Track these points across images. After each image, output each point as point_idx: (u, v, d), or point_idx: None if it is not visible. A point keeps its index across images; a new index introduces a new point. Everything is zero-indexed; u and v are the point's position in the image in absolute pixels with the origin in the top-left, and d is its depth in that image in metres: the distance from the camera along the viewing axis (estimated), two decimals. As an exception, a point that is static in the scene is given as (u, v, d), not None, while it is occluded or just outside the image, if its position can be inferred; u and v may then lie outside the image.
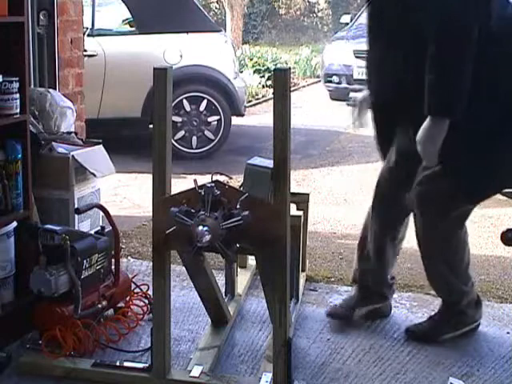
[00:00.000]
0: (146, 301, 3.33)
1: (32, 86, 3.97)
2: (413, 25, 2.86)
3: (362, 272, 3.33)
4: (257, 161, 2.89)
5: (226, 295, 3.41)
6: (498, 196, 5.64)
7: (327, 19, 23.74)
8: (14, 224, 3.17)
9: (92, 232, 3.50)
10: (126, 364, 2.86)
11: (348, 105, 3.47)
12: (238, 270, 3.60)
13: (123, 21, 7.82)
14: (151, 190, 2.71)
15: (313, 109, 10.74)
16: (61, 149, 3.73)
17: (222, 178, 2.76)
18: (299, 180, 6.20)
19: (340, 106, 11.05)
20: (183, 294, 3.58)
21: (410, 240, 4.45)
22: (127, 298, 3.33)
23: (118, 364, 2.86)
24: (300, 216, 3.44)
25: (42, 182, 3.50)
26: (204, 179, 2.68)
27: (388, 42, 2.99)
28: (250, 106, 10.38)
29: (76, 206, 3.61)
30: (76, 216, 3.64)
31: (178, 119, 6.98)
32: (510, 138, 2.90)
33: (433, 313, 3.44)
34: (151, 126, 2.81)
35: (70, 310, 2.97)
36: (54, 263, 2.96)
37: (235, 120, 7.49)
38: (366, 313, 3.33)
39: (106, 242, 3.24)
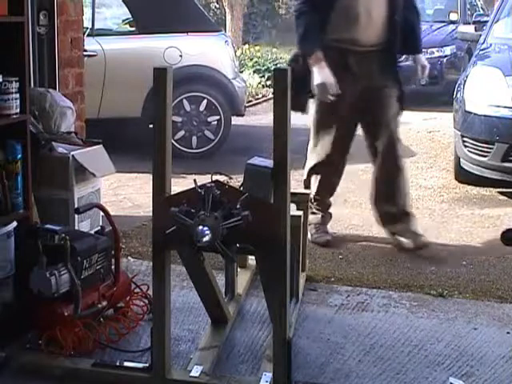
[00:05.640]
0: (146, 301, 3.33)
1: (32, 86, 3.97)
2: None
3: None
4: (257, 161, 2.88)
5: (226, 295, 3.41)
6: (498, 196, 5.67)
7: (327, 19, 23.68)
8: (14, 224, 3.17)
9: (92, 232, 3.50)
10: (126, 364, 2.86)
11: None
12: (238, 270, 3.60)
13: (123, 21, 7.81)
14: (151, 190, 2.71)
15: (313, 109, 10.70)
16: (61, 149, 3.73)
17: (221, 178, 2.76)
18: (299, 180, 6.19)
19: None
20: (183, 294, 3.58)
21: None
22: (127, 298, 3.33)
23: (118, 364, 2.87)
24: (300, 216, 3.44)
25: (41, 182, 3.50)
26: (204, 179, 2.68)
27: None
28: (250, 105, 10.36)
29: (76, 205, 3.61)
30: (76, 216, 3.64)
31: (178, 119, 6.97)
32: None
33: (433, 312, 3.45)
34: (151, 125, 2.81)
35: (70, 310, 2.97)
36: (54, 263, 2.96)
37: (235, 120, 7.48)
38: None
39: (106, 241, 3.24)
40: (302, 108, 4.28)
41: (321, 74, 3.97)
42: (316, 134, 4.35)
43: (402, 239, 4.29)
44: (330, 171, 4.42)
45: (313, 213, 4.43)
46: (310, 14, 4.01)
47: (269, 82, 12.08)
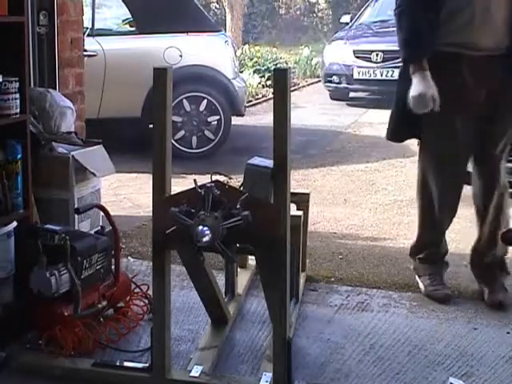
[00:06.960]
0: (146, 301, 3.33)
1: (32, 86, 3.97)
2: None
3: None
4: (257, 161, 2.88)
5: (226, 295, 3.41)
6: (498, 196, 5.65)
7: (327, 19, 23.76)
8: (14, 224, 3.17)
9: (92, 232, 3.50)
10: (126, 364, 2.86)
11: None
12: (238, 269, 3.60)
13: (123, 21, 7.82)
14: (151, 190, 2.71)
15: (313, 109, 10.74)
16: (61, 149, 3.73)
17: (221, 178, 2.76)
18: (299, 180, 6.20)
19: (340, 106, 11.08)
20: (183, 294, 3.58)
21: (409, 239, 4.45)
22: (127, 298, 3.33)
23: (118, 364, 2.86)
24: (300, 216, 3.44)
25: (41, 182, 3.50)
26: (204, 179, 2.68)
27: None
28: (250, 105, 10.38)
29: (76, 206, 3.61)
30: (76, 216, 3.65)
31: (178, 119, 6.98)
32: None
33: (433, 312, 3.45)
34: (151, 125, 2.81)
35: (70, 310, 2.97)
36: (54, 263, 2.96)
37: (235, 120, 7.49)
38: None
39: (106, 241, 3.24)
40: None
41: (421, 84, 3.33)
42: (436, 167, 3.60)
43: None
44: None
45: (424, 262, 3.77)
46: (415, 15, 3.37)
47: (269, 82, 12.10)
